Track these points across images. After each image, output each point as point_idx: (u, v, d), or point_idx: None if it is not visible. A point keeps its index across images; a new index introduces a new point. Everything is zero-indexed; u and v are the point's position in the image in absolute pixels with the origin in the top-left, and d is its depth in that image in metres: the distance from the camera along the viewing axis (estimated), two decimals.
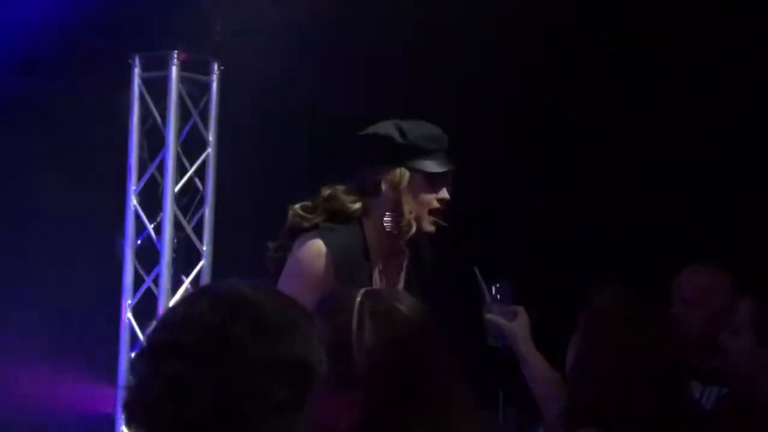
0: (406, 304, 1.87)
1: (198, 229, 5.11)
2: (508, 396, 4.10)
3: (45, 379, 5.21)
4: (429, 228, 3.01)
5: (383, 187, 2.98)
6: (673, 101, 4.37)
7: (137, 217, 5.05)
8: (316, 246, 2.93)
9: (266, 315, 1.50)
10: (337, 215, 3.01)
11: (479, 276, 3.01)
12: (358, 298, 1.83)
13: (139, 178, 5.05)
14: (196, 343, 1.47)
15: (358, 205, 3.02)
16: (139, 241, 5.05)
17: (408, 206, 2.98)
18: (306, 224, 2.98)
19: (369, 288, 2.00)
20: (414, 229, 3.00)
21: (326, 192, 3.03)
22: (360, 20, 4.80)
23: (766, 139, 4.23)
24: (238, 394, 1.45)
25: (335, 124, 4.03)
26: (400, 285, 3.10)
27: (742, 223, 4.08)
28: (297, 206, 3.03)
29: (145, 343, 1.53)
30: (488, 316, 2.95)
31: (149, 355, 1.50)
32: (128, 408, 1.49)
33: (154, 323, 1.63)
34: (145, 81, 5.04)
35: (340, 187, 3.05)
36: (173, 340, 1.48)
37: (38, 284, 5.19)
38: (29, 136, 5.20)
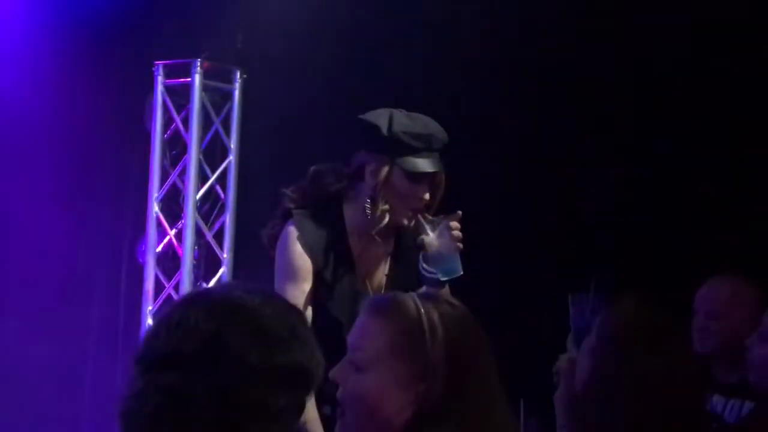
0: (455, 304, 2.00)
1: (219, 237, 5.13)
2: (529, 406, 4.08)
3: (65, 382, 5.22)
4: (404, 222, 3.00)
5: (367, 173, 3.00)
6: (697, 108, 4.34)
7: (159, 223, 5.06)
8: (290, 232, 3.00)
9: (263, 321, 1.47)
10: (320, 196, 3.05)
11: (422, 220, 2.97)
12: (417, 300, 1.93)
13: (161, 185, 5.06)
14: (193, 352, 1.43)
15: (337, 187, 3.05)
16: (160, 248, 5.07)
17: (386, 197, 2.98)
18: (290, 206, 3.04)
19: (420, 292, 2.09)
20: (386, 220, 3.01)
21: (311, 172, 3.08)
22: (382, 26, 4.79)
23: None
24: (238, 403, 1.43)
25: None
26: (384, 273, 3.11)
27: (764, 233, 4.05)
28: (288, 189, 3.09)
29: (140, 352, 1.48)
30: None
31: (146, 364, 1.46)
32: (126, 418, 1.46)
33: (147, 328, 1.60)
34: (168, 88, 5.06)
35: (330, 168, 3.08)
36: (170, 350, 1.45)
37: (58, 290, 5.20)
38: (53, 143, 5.22)
